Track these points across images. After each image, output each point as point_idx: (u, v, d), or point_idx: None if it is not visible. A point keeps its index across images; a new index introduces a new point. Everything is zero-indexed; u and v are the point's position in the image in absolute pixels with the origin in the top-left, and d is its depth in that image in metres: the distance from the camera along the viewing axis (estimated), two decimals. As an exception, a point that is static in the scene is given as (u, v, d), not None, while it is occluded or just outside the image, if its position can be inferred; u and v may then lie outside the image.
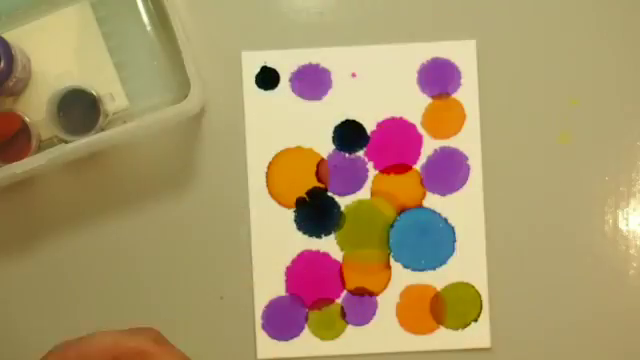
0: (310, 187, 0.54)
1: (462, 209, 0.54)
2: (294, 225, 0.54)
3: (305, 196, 0.54)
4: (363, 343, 0.54)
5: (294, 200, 0.54)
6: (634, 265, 0.54)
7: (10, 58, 0.49)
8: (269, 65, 0.54)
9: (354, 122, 0.54)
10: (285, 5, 0.55)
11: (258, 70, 0.54)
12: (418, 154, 0.55)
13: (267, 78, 0.54)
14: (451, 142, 0.54)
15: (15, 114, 0.51)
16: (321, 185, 0.54)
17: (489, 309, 0.54)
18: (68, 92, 0.50)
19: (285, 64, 0.54)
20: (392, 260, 0.54)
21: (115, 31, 0.52)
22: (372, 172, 0.54)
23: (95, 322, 0.55)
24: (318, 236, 0.54)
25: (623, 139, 0.55)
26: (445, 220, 0.54)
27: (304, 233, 0.54)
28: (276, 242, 0.54)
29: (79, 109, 0.50)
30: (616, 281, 0.54)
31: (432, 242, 0.54)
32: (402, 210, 0.54)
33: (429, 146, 0.54)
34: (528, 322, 0.54)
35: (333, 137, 0.54)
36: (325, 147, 0.54)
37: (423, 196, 0.54)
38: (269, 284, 0.54)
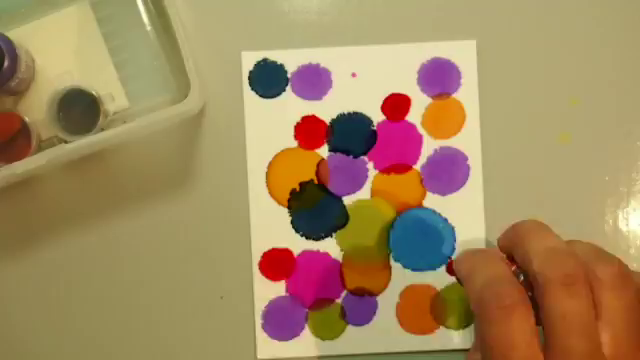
0: (310, 187, 0.54)
1: (462, 209, 0.54)
2: (294, 225, 0.54)
3: (305, 196, 0.54)
4: (363, 343, 0.54)
5: (294, 200, 0.54)
6: (634, 265, 0.54)
7: (14, 57, 0.49)
8: (270, 59, 0.54)
9: (354, 122, 0.54)
10: (285, 5, 0.55)
11: (257, 62, 0.54)
12: (418, 154, 0.54)
13: (267, 73, 0.54)
14: (451, 142, 0.54)
15: (15, 114, 0.51)
16: (321, 185, 0.54)
17: (489, 309, 0.54)
18: (68, 92, 0.50)
19: (285, 64, 0.54)
20: (392, 260, 0.54)
21: (115, 31, 0.52)
22: (372, 172, 0.54)
23: (95, 322, 0.55)
24: (318, 236, 0.54)
25: (623, 139, 0.55)
26: (445, 220, 0.54)
27: (304, 233, 0.54)
28: (276, 242, 0.54)
29: (79, 109, 0.50)
30: (616, 281, 0.54)
31: (432, 242, 0.54)
32: (402, 210, 0.54)
33: (429, 146, 0.54)
34: (528, 322, 0.54)
35: (333, 137, 0.54)
36: (325, 147, 0.55)
37: (423, 196, 0.54)
38: (269, 284, 0.54)
